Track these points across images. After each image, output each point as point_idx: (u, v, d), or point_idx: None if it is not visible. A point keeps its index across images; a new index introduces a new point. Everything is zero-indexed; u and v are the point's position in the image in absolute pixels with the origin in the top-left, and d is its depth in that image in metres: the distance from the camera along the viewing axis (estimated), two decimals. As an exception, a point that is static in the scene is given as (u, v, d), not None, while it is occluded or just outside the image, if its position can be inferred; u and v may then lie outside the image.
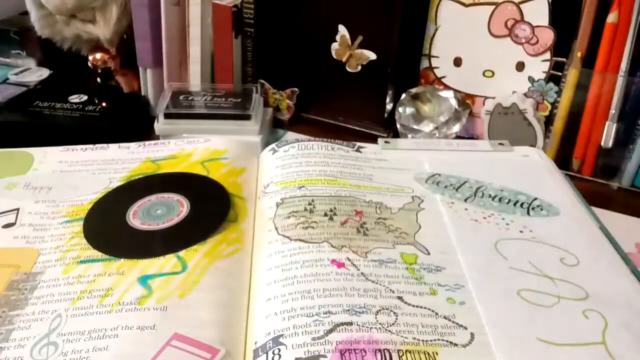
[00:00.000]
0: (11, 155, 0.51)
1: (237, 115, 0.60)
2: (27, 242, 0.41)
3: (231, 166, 0.50)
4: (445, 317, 0.35)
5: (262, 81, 0.68)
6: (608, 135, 0.57)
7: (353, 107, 0.67)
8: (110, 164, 0.50)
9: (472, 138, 0.65)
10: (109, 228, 0.43)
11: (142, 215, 0.43)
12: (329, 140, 0.53)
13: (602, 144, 0.57)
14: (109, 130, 0.61)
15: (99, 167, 0.50)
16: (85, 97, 0.65)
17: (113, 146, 0.53)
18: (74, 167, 0.50)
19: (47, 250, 0.40)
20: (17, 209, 0.44)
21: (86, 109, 0.63)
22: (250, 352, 0.33)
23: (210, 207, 0.45)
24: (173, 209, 0.44)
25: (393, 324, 0.34)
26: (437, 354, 0.32)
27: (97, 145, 0.53)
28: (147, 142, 0.54)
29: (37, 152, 0.52)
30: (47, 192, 0.46)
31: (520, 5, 0.58)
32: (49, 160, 0.51)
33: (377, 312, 0.35)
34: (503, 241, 0.42)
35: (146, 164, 0.50)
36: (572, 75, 0.57)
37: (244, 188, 0.48)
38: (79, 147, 0.53)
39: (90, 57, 0.71)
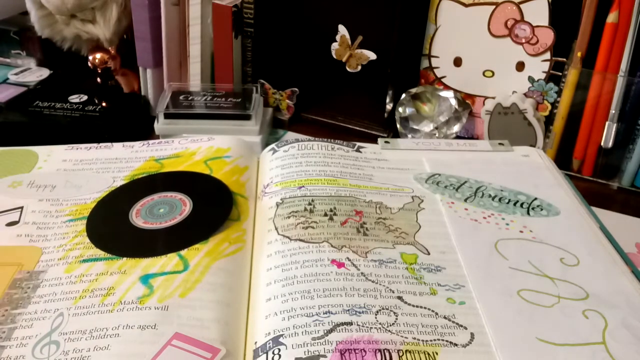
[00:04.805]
0: (16, 153, 0.51)
1: (237, 115, 0.60)
2: (31, 240, 0.41)
3: (234, 164, 0.50)
4: (445, 317, 0.35)
5: (262, 81, 0.68)
6: (608, 135, 0.57)
7: (353, 107, 0.67)
8: (114, 162, 0.51)
9: (472, 138, 0.65)
10: (112, 227, 0.43)
11: (145, 214, 0.43)
12: (329, 140, 0.53)
13: (602, 144, 0.58)
14: (109, 130, 0.61)
15: (102, 166, 0.50)
16: (85, 97, 0.65)
17: (117, 145, 0.53)
18: (78, 166, 0.50)
19: (50, 248, 0.40)
20: (21, 207, 0.44)
21: (86, 109, 0.63)
22: (250, 352, 0.33)
23: (212, 206, 0.45)
24: (175, 207, 0.44)
25: (393, 324, 0.34)
26: (437, 354, 0.32)
27: (101, 144, 0.53)
28: (150, 141, 0.54)
29: (42, 151, 0.52)
30: (51, 191, 0.46)
31: (520, 5, 0.58)
32: (53, 158, 0.51)
33: (377, 312, 0.35)
34: (503, 241, 0.42)
35: (150, 162, 0.50)
36: (572, 75, 0.57)
37: (246, 186, 0.48)
38: (83, 145, 0.53)
39: (90, 57, 0.71)
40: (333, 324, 0.34)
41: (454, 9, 0.61)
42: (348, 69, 0.65)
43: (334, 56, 0.66)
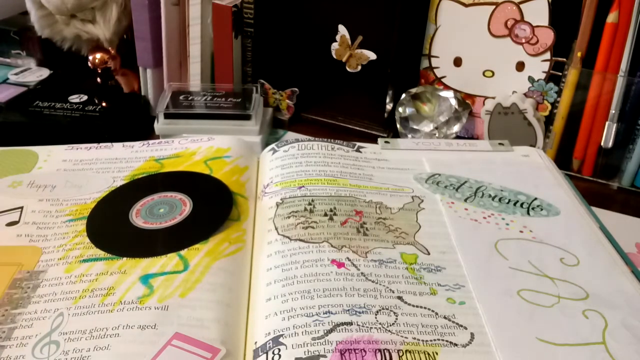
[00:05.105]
0: (16, 153, 0.51)
1: (237, 115, 0.60)
2: (31, 240, 0.41)
3: (234, 164, 0.50)
4: (445, 317, 0.35)
5: (262, 81, 0.68)
6: (608, 135, 0.57)
7: (353, 107, 0.67)
8: (114, 162, 0.51)
9: (472, 138, 0.65)
10: (112, 227, 0.43)
11: (145, 214, 0.43)
12: (329, 140, 0.53)
13: (602, 144, 0.58)
14: (109, 130, 0.61)
15: (103, 166, 0.50)
16: (85, 97, 0.65)
17: (117, 145, 0.53)
18: (78, 166, 0.50)
19: (50, 248, 0.40)
20: (21, 207, 0.44)
21: (86, 109, 0.63)
22: (250, 352, 0.33)
23: (212, 206, 0.45)
24: (176, 207, 0.44)
25: (393, 324, 0.34)
26: (437, 354, 0.32)
27: (101, 144, 0.53)
28: (151, 141, 0.54)
29: (42, 151, 0.52)
30: (51, 191, 0.46)
31: (520, 5, 0.58)
32: (53, 158, 0.51)
33: (377, 312, 0.35)
34: (503, 241, 0.42)
35: (150, 162, 0.50)
36: (572, 75, 0.57)
37: (246, 186, 0.48)
38: (83, 145, 0.53)
39: (90, 57, 0.71)
40: (333, 324, 0.34)
41: (454, 9, 0.61)
42: (348, 69, 0.65)
43: (334, 56, 0.66)
